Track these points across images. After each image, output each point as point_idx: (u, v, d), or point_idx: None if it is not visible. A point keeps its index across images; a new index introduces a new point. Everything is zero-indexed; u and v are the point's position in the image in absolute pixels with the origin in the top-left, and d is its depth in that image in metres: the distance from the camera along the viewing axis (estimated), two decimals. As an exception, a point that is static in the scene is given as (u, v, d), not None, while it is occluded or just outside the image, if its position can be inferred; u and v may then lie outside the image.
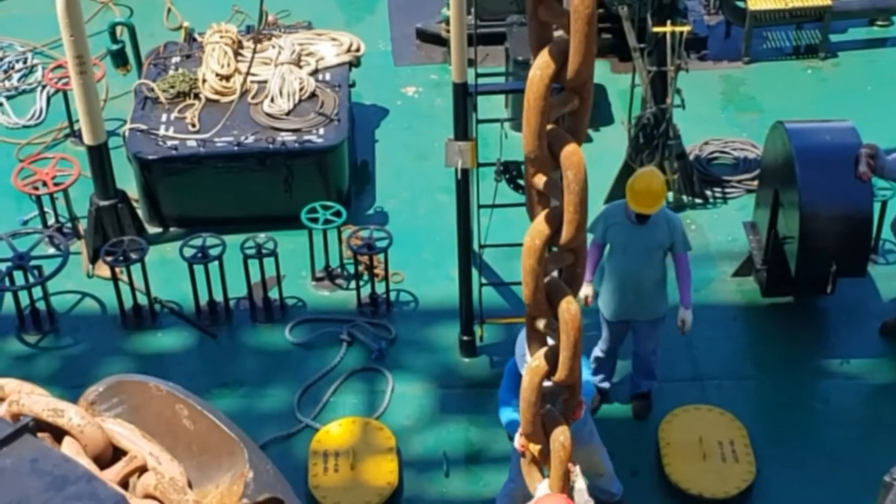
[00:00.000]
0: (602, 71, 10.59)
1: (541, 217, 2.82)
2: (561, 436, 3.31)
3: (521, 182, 7.69)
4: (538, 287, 2.90)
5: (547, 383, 3.22)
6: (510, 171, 7.64)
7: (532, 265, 2.86)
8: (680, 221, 7.13)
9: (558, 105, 2.70)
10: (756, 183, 8.95)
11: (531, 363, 3.16)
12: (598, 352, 7.50)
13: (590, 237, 6.89)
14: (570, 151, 2.70)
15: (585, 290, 7.12)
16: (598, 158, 9.36)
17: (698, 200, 9.38)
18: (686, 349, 8.13)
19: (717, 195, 9.48)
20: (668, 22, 8.56)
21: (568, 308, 2.90)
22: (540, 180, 2.79)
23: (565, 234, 2.79)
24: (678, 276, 7.07)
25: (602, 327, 7.38)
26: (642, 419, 7.55)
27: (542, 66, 2.61)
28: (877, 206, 8.20)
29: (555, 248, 2.98)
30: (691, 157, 9.48)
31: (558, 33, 2.64)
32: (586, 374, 6.00)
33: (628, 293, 7.09)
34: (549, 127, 2.71)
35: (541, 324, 3.05)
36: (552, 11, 2.58)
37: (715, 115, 10.31)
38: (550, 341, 3.14)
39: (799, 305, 8.40)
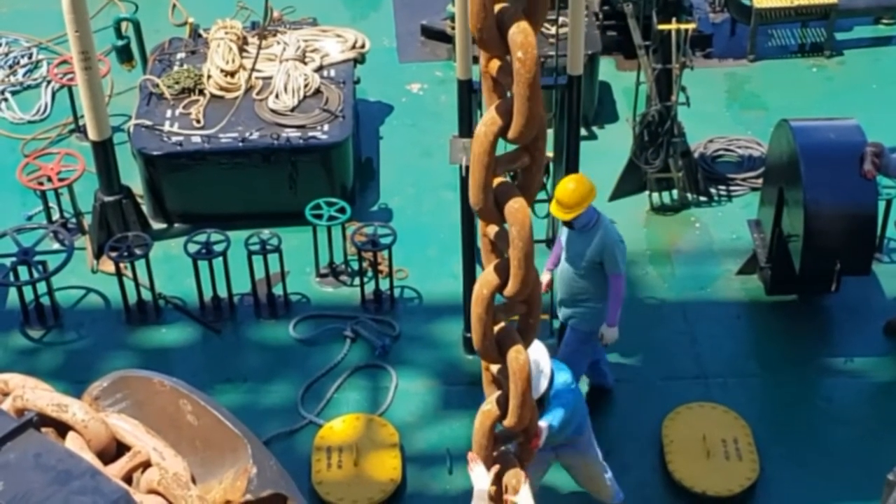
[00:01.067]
0: (607, 68, 10.58)
1: (490, 267, 2.88)
2: (513, 479, 3.37)
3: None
4: (486, 335, 2.95)
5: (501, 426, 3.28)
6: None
7: (480, 314, 2.91)
8: (613, 243, 6.90)
9: (508, 161, 2.73)
10: (761, 181, 8.94)
11: (483, 406, 3.23)
12: None
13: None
14: (514, 208, 2.72)
15: (544, 277, 7.33)
16: (602, 156, 9.39)
17: (703, 198, 9.37)
18: (690, 347, 8.14)
19: (722, 193, 9.47)
20: (674, 19, 8.55)
21: (517, 357, 2.94)
22: (491, 231, 2.85)
23: (510, 287, 2.83)
24: (608, 295, 6.98)
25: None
26: None
27: (487, 122, 2.65)
28: (881, 205, 8.19)
29: None
30: (696, 155, 9.47)
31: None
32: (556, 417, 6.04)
33: (562, 293, 7.22)
34: (499, 181, 2.74)
35: (494, 369, 3.09)
36: (502, 70, 2.61)
37: (720, 113, 10.30)
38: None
39: (803, 303, 8.39)
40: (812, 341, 8.18)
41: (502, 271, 2.84)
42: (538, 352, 5.87)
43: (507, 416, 3.12)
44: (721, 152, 9.82)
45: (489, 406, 3.19)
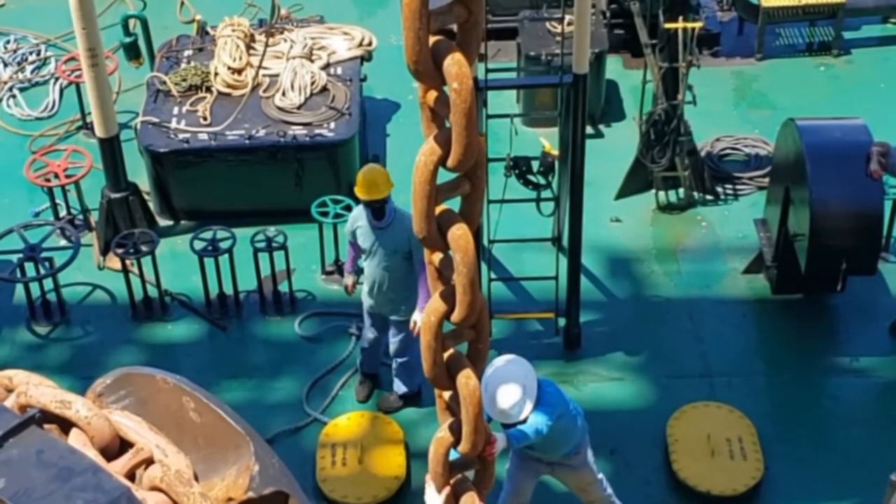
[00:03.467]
0: (614, 66, 10.58)
1: (437, 294, 2.91)
2: None
3: (531, 178, 7.69)
4: (436, 362, 2.96)
5: (455, 454, 3.28)
6: (520, 167, 7.64)
7: (429, 341, 2.93)
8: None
9: (448, 189, 2.77)
10: (767, 180, 8.93)
11: (437, 434, 3.25)
12: (363, 342, 7.69)
13: (347, 230, 7.39)
14: (458, 235, 2.74)
15: (347, 280, 7.60)
16: (609, 154, 9.38)
17: (709, 197, 9.36)
18: (695, 345, 8.13)
19: (728, 192, 9.46)
20: (681, 18, 8.54)
21: (466, 383, 2.96)
22: (436, 258, 2.87)
23: (456, 314, 2.86)
24: (419, 282, 7.11)
25: (364, 317, 7.57)
26: (382, 411, 7.64)
27: (427, 152, 2.69)
28: (888, 204, 8.17)
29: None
30: (703, 154, 9.46)
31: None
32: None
33: (376, 291, 7.30)
34: (441, 209, 2.78)
35: (446, 395, 3.11)
36: (439, 101, 2.67)
37: (727, 112, 10.28)
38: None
39: (809, 303, 8.38)
40: (818, 341, 8.18)
41: (449, 298, 2.86)
42: (523, 375, 5.80)
43: (461, 442, 3.12)
44: (728, 151, 9.81)
45: (442, 433, 3.21)
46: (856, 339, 8.17)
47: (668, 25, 8.58)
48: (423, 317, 2.94)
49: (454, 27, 2.64)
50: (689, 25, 8.53)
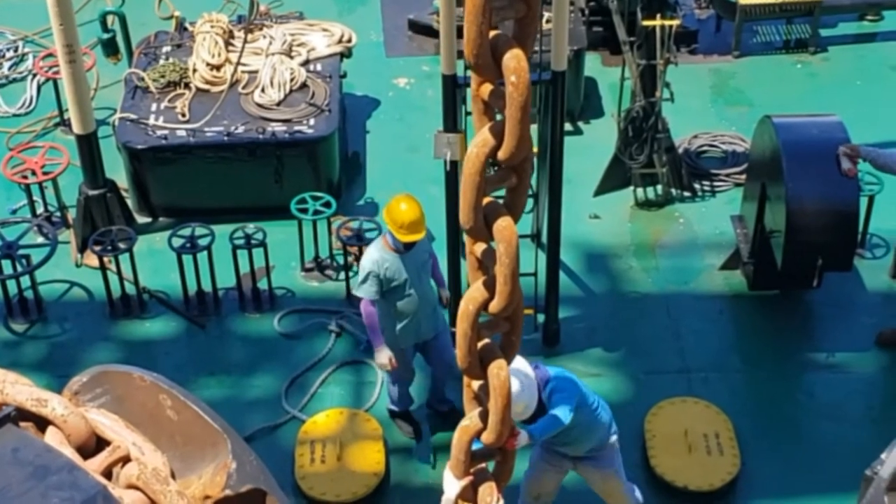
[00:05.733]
0: (593, 64, 10.61)
1: (478, 283, 2.95)
2: (487, 495, 3.40)
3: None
4: (471, 351, 3.00)
5: (478, 445, 3.31)
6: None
7: (465, 329, 2.98)
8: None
9: (496, 181, 2.82)
10: (744, 177, 8.98)
11: (462, 422, 3.28)
12: (400, 386, 7.30)
13: (368, 292, 6.74)
14: (502, 226, 2.80)
15: (384, 355, 6.91)
16: (587, 151, 9.41)
17: (687, 194, 9.41)
18: (673, 341, 8.18)
19: (706, 188, 9.51)
20: (658, 15, 8.57)
21: (497, 374, 3.00)
22: (478, 249, 2.91)
23: (495, 303, 2.91)
24: (435, 268, 7.10)
25: (400, 361, 7.02)
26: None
27: (479, 143, 2.73)
28: (863, 201, 8.23)
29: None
30: (680, 151, 9.50)
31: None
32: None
33: (420, 320, 6.92)
34: (487, 200, 2.82)
35: (475, 385, 3.14)
36: (494, 94, 2.70)
37: (704, 109, 10.33)
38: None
39: (785, 299, 8.43)
40: (794, 337, 8.23)
41: (488, 288, 2.89)
42: (522, 395, 5.68)
43: (486, 432, 3.16)
44: (705, 148, 9.86)
45: (468, 421, 3.24)
46: (832, 335, 8.23)
47: (646, 23, 8.61)
48: (462, 305, 2.96)
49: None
50: (667, 23, 8.56)
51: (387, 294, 6.85)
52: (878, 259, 8.75)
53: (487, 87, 2.71)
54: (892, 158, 7.56)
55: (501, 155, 2.70)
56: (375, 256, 6.81)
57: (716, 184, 9.53)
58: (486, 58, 2.61)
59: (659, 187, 9.36)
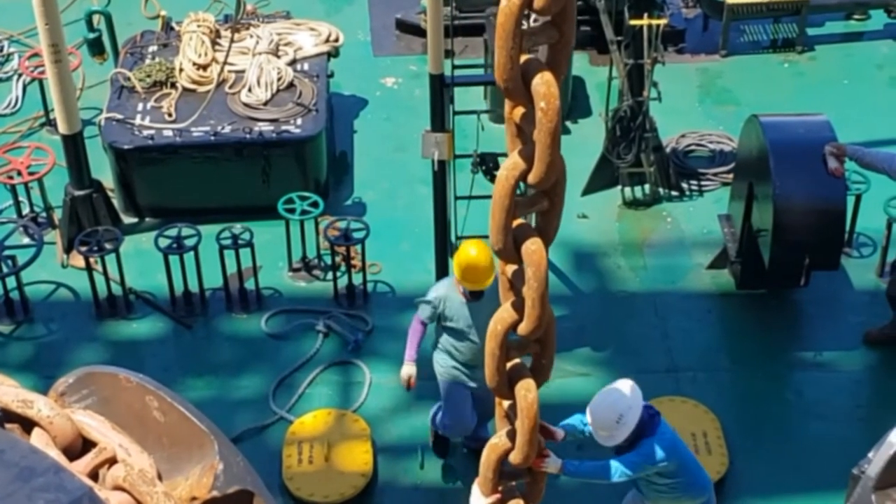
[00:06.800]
0: (580, 63, 10.62)
1: (507, 304, 2.97)
2: None
3: (497, 174, 7.70)
4: (499, 370, 3.02)
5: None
6: (487, 163, 7.66)
7: (493, 349, 2.99)
8: None
9: (527, 205, 2.83)
10: (731, 176, 9.00)
11: (492, 440, 3.30)
12: (444, 418, 7.05)
13: (421, 313, 6.65)
14: (532, 249, 2.81)
15: (409, 370, 6.76)
16: (575, 150, 9.37)
17: (674, 193, 9.42)
18: (661, 340, 8.19)
19: (693, 188, 9.52)
20: (646, 15, 8.59)
21: (525, 395, 3.02)
22: (509, 270, 2.93)
23: (523, 326, 2.92)
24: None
25: (454, 395, 6.85)
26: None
27: (509, 167, 2.74)
28: (850, 200, 8.25)
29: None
30: (668, 150, 9.52)
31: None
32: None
33: (476, 367, 6.62)
34: (518, 222, 2.83)
35: (506, 404, 3.18)
36: (525, 118, 2.71)
37: (692, 108, 10.35)
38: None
39: (773, 298, 8.45)
40: (781, 335, 8.25)
41: (517, 309, 2.91)
42: (625, 400, 5.53)
43: (514, 451, 3.19)
44: (693, 147, 9.87)
45: (497, 440, 3.26)
46: (819, 334, 8.25)
47: (633, 22, 8.62)
48: (490, 325, 2.98)
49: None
50: (655, 22, 8.57)
51: (447, 330, 6.66)
52: (865, 258, 8.77)
53: (520, 111, 2.72)
54: (877, 157, 7.59)
55: (531, 179, 2.72)
56: (441, 291, 6.62)
57: (703, 183, 9.55)
58: (517, 82, 2.62)
59: (647, 186, 9.37)
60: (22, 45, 11.02)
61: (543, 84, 2.60)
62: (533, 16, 2.66)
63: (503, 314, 2.94)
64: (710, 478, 6.12)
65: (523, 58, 2.62)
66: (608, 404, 5.56)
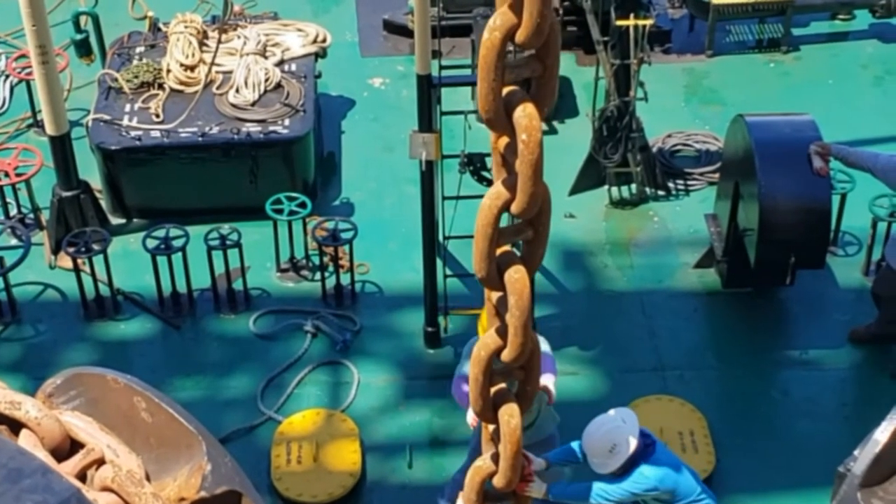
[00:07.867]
0: (567, 63, 10.64)
1: (491, 331, 2.99)
2: None
3: (485, 174, 7.73)
4: (482, 395, 3.04)
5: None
6: (474, 163, 7.67)
7: (476, 374, 3.01)
8: None
9: (511, 234, 2.84)
10: (717, 175, 9.04)
11: (477, 462, 3.32)
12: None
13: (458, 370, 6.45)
14: (515, 278, 2.82)
15: (470, 414, 6.32)
16: (562, 150, 9.43)
17: (661, 192, 9.45)
18: (648, 339, 8.22)
19: (680, 187, 9.56)
20: (632, 15, 8.61)
21: (508, 421, 3.04)
22: (494, 296, 2.95)
23: (506, 353, 2.94)
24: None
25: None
26: None
27: (493, 196, 2.76)
28: (836, 199, 8.30)
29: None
30: (654, 150, 9.55)
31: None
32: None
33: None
34: (503, 250, 2.84)
35: (491, 428, 3.21)
36: (509, 148, 2.73)
37: (678, 108, 10.38)
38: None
39: (759, 297, 8.49)
40: (768, 334, 8.29)
41: (501, 336, 2.92)
42: (620, 432, 5.51)
43: (497, 475, 3.23)
44: (679, 147, 9.91)
45: (482, 462, 3.29)
46: (805, 333, 8.29)
47: (619, 23, 8.65)
48: (475, 350, 2.99)
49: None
50: (641, 23, 8.60)
51: None
52: (850, 256, 8.82)
53: (504, 141, 2.73)
54: (861, 156, 7.64)
55: (514, 210, 2.74)
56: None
57: (689, 182, 9.59)
58: (499, 114, 2.63)
59: (633, 186, 9.40)
60: (9, 47, 11.00)
61: (525, 117, 2.60)
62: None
63: (487, 340, 2.97)
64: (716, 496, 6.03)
65: (506, 90, 2.64)
66: (602, 434, 5.57)
